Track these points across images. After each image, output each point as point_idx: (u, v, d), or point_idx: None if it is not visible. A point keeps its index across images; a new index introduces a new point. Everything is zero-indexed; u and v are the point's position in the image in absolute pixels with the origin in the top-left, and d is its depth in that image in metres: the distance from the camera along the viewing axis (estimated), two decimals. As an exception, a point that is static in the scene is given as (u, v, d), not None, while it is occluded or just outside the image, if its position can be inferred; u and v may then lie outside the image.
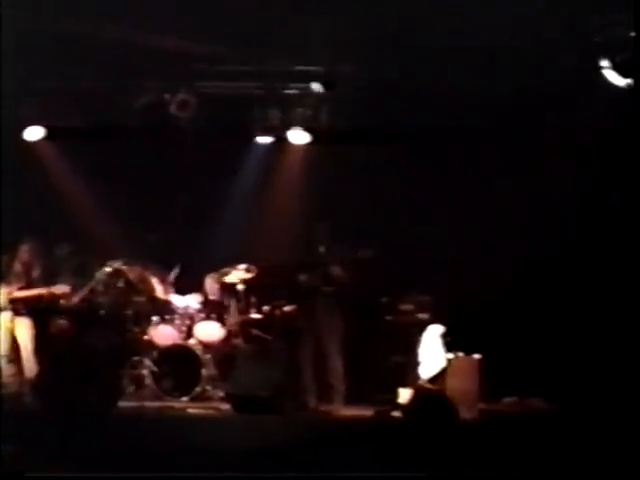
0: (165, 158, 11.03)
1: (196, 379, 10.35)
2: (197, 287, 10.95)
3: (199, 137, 10.73)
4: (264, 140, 11.06)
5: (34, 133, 10.60)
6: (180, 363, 10.41)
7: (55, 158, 10.92)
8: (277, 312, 10.64)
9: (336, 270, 9.83)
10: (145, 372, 10.40)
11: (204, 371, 10.39)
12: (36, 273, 10.11)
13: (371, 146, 10.75)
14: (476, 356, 9.75)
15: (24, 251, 10.14)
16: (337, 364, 9.84)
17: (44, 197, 10.81)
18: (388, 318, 10.54)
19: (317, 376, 9.89)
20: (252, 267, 10.70)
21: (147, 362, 10.45)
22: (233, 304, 10.82)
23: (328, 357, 9.85)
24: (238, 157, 11.23)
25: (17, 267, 10.11)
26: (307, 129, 10.78)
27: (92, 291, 10.54)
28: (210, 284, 10.87)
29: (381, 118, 10.23)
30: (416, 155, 10.68)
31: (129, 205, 11.11)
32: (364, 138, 10.64)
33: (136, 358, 10.53)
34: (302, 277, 9.97)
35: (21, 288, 10.09)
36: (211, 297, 10.92)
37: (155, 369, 10.39)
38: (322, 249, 9.97)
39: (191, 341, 10.69)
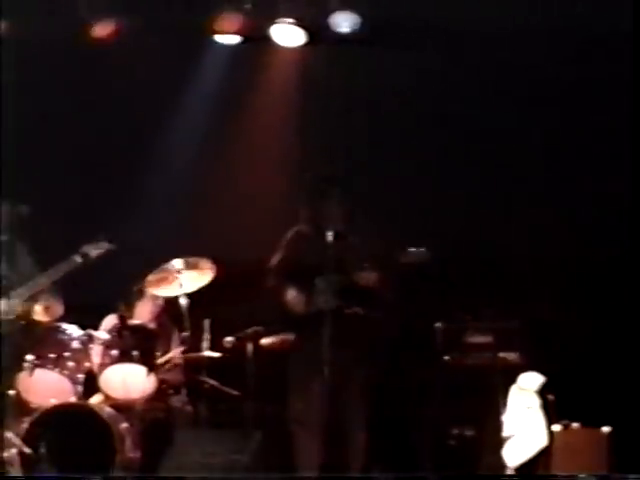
0: (69, 65, 9.16)
1: (103, 467, 8.25)
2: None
3: (124, 34, 9.08)
4: (230, 40, 9.50)
5: None
6: (75, 438, 8.27)
7: None
8: (249, 346, 8.58)
9: (358, 271, 7.72)
10: (10, 455, 8.30)
11: (118, 455, 8.29)
12: None
13: (405, 51, 9.18)
14: (604, 429, 8.17)
15: None
16: (360, 439, 7.81)
17: None
18: (446, 358, 8.78)
19: (325, 459, 7.82)
20: (207, 262, 8.68)
21: (13, 438, 8.37)
22: (168, 331, 8.96)
23: (345, 428, 7.84)
24: (188, 66, 9.57)
25: None
26: (300, 24, 9.29)
27: None
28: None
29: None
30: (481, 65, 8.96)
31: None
32: (391, 37, 9.17)
33: (-7, 430, 8.62)
34: (293, 282, 7.69)
35: None
36: (133, 320, 8.96)
37: (28, 450, 8.24)
38: (329, 232, 7.60)
39: (94, 399, 8.69)
